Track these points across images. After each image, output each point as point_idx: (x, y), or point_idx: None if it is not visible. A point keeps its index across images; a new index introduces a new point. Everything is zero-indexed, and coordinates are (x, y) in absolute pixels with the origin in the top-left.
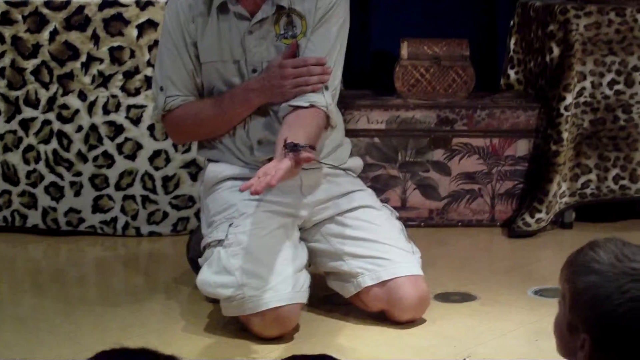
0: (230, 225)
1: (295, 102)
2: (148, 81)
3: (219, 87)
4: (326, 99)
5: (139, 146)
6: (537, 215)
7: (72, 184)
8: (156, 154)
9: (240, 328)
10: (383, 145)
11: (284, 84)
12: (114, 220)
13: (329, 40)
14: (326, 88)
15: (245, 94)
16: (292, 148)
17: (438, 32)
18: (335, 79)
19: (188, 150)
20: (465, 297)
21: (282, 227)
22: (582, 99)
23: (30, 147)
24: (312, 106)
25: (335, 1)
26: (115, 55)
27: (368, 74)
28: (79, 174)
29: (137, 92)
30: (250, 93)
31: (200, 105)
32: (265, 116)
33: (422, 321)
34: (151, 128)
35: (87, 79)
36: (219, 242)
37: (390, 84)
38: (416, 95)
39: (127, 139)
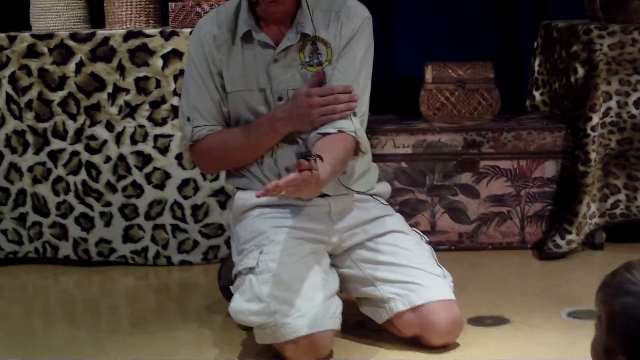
0: (260, 252)
1: (323, 130)
2: (174, 111)
3: (245, 115)
4: (354, 124)
5: (167, 175)
6: (568, 237)
7: (102, 214)
8: (185, 182)
9: (274, 355)
10: (410, 170)
11: (312, 112)
12: (145, 249)
13: (355, 67)
14: (354, 114)
15: (272, 123)
16: (302, 155)
17: (462, 55)
18: (363, 105)
19: (216, 178)
20: (498, 321)
21: (313, 254)
22: (608, 119)
23: (59, 179)
24: (340, 132)
25: (359, 27)
26: (141, 85)
27: (393, 99)
28: (108, 204)
29: (164, 121)
30: (277, 122)
31: (227, 135)
32: (293, 144)
33: (456, 346)
34: (179, 157)
35: (114, 110)
36: (250, 270)
37: (416, 108)
38: (442, 118)
39: (155, 169)
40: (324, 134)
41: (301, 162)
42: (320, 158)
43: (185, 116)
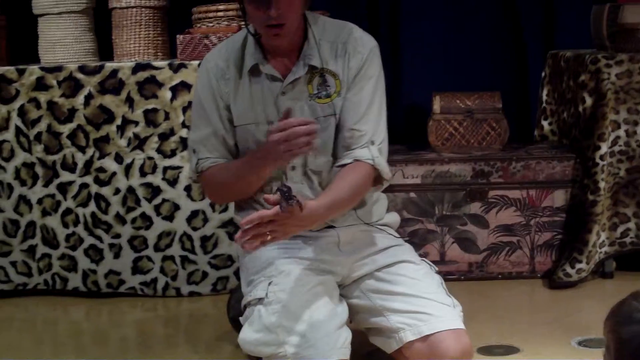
0: (269, 283)
1: (341, 162)
2: (183, 142)
3: (252, 147)
4: (371, 152)
5: (176, 207)
6: (578, 266)
7: (112, 246)
8: (194, 214)
9: None
10: (419, 200)
11: (277, 148)
12: (154, 281)
13: (366, 97)
14: (372, 143)
15: (254, 162)
16: (284, 195)
17: (470, 85)
18: (381, 133)
19: (225, 209)
20: (508, 350)
21: (321, 284)
22: (617, 148)
23: (68, 211)
24: (356, 161)
25: (367, 57)
26: (150, 117)
27: (401, 129)
28: (117, 236)
29: (172, 153)
30: (256, 161)
31: (225, 170)
32: (302, 176)
33: None
34: (188, 189)
35: (123, 142)
36: (259, 301)
37: (424, 138)
38: (450, 148)
39: (164, 200)
40: (342, 166)
41: (266, 198)
42: (293, 199)
43: (192, 148)
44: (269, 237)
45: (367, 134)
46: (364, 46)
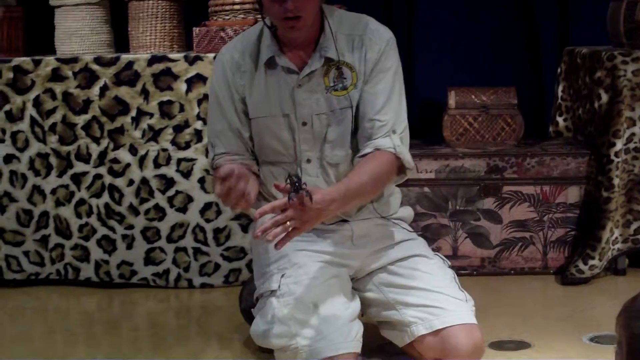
0: (282, 275)
1: (362, 152)
2: (198, 134)
3: (268, 142)
4: (393, 141)
5: (189, 199)
6: (590, 262)
7: (124, 237)
8: (207, 206)
9: None
10: (433, 195)
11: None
12: (166, 272)
13: (386, 88)
14: (393, 132)
15: None
16: (294, 184)
17: (485, 80)
18: (402, 122)
19: None
20: (519, 345)
21: (334, 277)
22: (632, 145)
23: (82, 201)
24: (377, 150)
25: (384, 50)
26: (165, 109)
27: (415, 124)
28: (130, 227)
29: (187, 145)
30: None
31: None
32: (318, 169)
33: None
34: (201, 181)
35: (137, 134)
36: (272, 293)
37: (439, 133)
38: (465, 144)
39: (178, 192)
40: (363, 156)
41: (276, 185)
42: (302, 189)
43: (210, 141)
44: (290, 229)
45: (388, 124)
46: (380, 38)
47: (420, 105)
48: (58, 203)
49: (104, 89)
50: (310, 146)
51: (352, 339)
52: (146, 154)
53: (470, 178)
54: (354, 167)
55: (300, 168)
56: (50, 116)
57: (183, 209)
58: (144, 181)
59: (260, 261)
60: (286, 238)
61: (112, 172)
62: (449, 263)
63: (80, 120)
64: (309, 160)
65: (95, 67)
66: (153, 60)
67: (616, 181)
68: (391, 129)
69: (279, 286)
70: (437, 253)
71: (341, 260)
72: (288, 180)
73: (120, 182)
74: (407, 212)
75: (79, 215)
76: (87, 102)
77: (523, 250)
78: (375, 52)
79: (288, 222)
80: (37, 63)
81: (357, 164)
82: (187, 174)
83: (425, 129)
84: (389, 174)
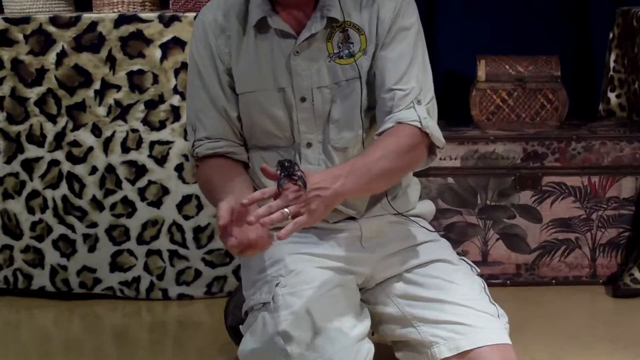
0: (277, 284)
1: (381, 128)
2: (175, 112)
3: (260, 122)
4: (418, 113)
5: (165, 191)
6: None
7: (86, 237)
8: (186, 199)
9: None
10: (458, 187)
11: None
12: (136, 280)
13: (407, 51)
14: (418, 102)
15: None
16: (285, 169)
17: (521, 47)
18: (428, 91)
19: None
20: None
21: (340, 287)
22: None
23: (35, 193)
24: (399, 124)
25: (401, 6)
26: (135, 81)
27: (438, 100)
28: (93, 225)
29: (161, 125)
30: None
31: (214, 182)
32: (320, 155)
33: None
34: (179, 168)
35: (101, 110)
36: (264, 306)
37: (465, 112)
38: (497, 124)
39: (150, 182)
40: (382, 133)
41: (264, 168)
42: (295, 174)
43: (190, 123)
44: (291, 221)
45: (412, 93)
46: None
47: (442, 78)
48: (5, 195)
49: (61, 56)
50: (310, 127)
51: None
52: (112, 135)
53: (504, 167)
54: (375, 142)
55: (299, 154)
56: None
57: (157, 203)
58: (110, 169)
59: (251, 267)
60: (292, 227)
61: (71, 158)
62: (478, 270)
63: (33, 94)
64: (309, 145)
65: (51, 29)
66: (121, 21)
67: None
68: (415, 99)
69: (273, 298)
70: (463, 258)
71: (348, 267)
72: (278, 166)
73: (81, 169)
74: (428, 207)
75: (30, 211)
76: (41, 72)
77: (567, 255)
78: (390, 10)
79: (286, 210)
80: None
81: (380, 138)
82: (161, 161)
83: (449, 106)
84: (414, 151)
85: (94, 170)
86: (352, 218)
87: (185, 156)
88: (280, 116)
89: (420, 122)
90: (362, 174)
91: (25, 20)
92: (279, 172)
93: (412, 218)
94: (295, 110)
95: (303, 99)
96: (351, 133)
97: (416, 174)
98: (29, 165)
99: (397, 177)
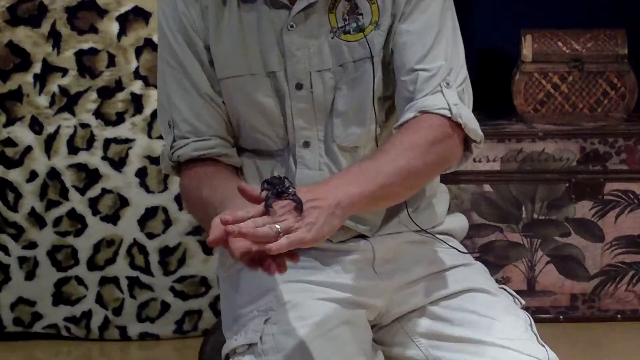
0: (266, 321)
1: (401, 119)
2: (136, 102)
3: (245, 114)
4: (447, 98)
5: (123, 202)
6: None
7: (22, 260)
8: (150, 213)
9: None
10: (498, 196)
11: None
12: (87, 316)
13: (432, 23)
14: (447, 84)
15: None
16: (274, 188)
17: (577, 19)
18: (460, 70)
19: None
20: None
21: (347, 324)
22: None
23: None
24: (423, 113)
25: None
26: (86, 63)
27: (472, 86)
28: (32, 245)
29: (119, 118)
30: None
31: (207, 200)
32: (322, 157)
33: None
34: (141, 174)
35: (43, 100)
36: (250, 348)
37: (507, 101)
38: (547, 117)
39: (105, 192)
40: (402, 124)
41: (242, 188)
42: (291, 196)
43: (166, 117)
44: (281, 236)
45: (439, 74)
46: None
47: (478, 59)
48: None
49: None
50: (309, 121)
51: None
52: (56, 131)
53: (555, 170)
54: (388, 141)
55: (294, 157)
56: None
57: (113, 218)
58: (53, 174)
59: (233, 299)
60: (286, 242)
61: (4, 161)
62: (523, 302)
63: None
64: (306, 144)
65: None
66: None
67: None
68: (443, 81)
69: (261, 338)
70: (503, 286)
71: (357, 298)
72: (264, 184)
73: (16, 175)
74: (459, 222)
75: None
76: None
77: (636, 283)
78: None
79: (277, 225)
80: None
81: (395, 136)
82: (119, 164)
83: (486, 94)
84: (443, 146)
85: (32, 176)
86: (362, 236)
87: (151, 159)
88: (270, 108)
89: (450, 109)
90: (371, 177)
91: None
92: (265, 191)
93: (438, 236)
94: (289, 101)
95: (299, 86)
96: (361, 128)
97: (444, 180)
98: None
99: (419, 180)
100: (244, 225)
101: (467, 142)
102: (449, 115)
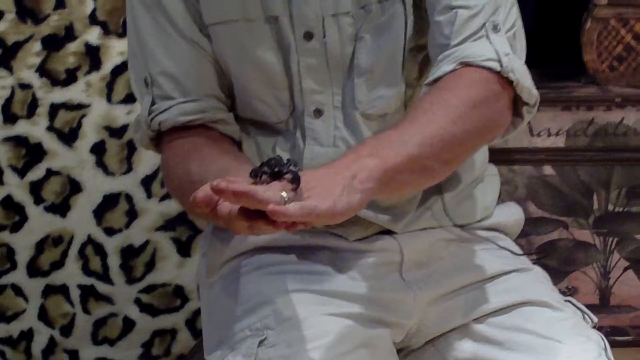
0: (261, 342)
1: (435, 73)
2: (92, 55)
3: (237, 74)
4: (495, 45)
5: (74, 187)
6: None
7: None
8: (109, 202)
9: None
10: (561, 181)
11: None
12: (27, 336)
13: None
14: (494, 28)
15: None
16: (271, 168)
17: None
18: (511, 9)
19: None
20: None
21: (365, 347)
22: None
23: None
24: (463, 65)
25: None
26: (27, 3)
27: (527, 38)
28: None
29: (70, 77)
30: None
31: (196, 178)
32: (338, 129)
33: None
34: (99, 150)
35: None
36: None
37: (575, 57)
38: (627, 78)
39: (51, 173)
40: (437, 79)
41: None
42: (290, 174)
43: (142, 76)
44: (295, 209)
45: (483, 13)
46: None
47: (536, 2)
48: None
49: None
50: (321, 82)
51: None
52: None
53: (638, 148)
54: (420, 100)
55: (302, 129)
56: None
57: (61, 208)
58: None
59: (219, 313)
60: (300, 209)
61: None
62: (595, 320)
63: None
64: (318, 112)
65: None
66: None
67: None
68: (490, 23)
69: None
70: (569, 299)
71: (379, 313)
72: (261, 169)
73: None
74: (512, 215)
75: None
76: None
77: None
78: None
79: (283, 193)
80: None
81: (428, 95)
82: (69, 136)
83: (547, 47)
84: (490, 110)
85: None
86: (387, 232)
87: (111, 130)
88: (271, 65)
89: (499, 61)
90: (396, 148)
91: None
92: (260, 170)
93: (485, 233)
94: (295, 55)
95: (308, 35)
96: (392, 89)
97: (492, 159)
98: None
99: (457, 153)
100: (241, 184)
101: (516, 105)
102: (498, 69)
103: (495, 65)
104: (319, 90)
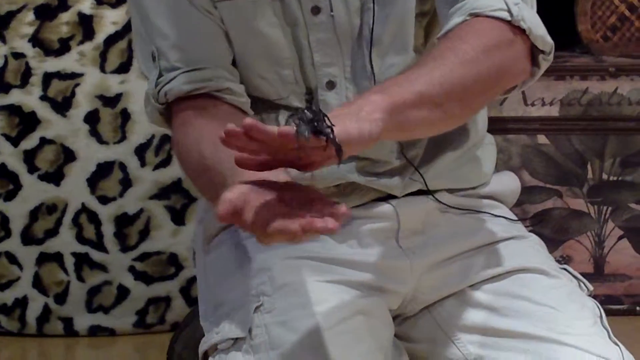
0: (257, 308)
1: (447, 26)
2: (86, 24)
3: (241, 49)
4: None
5: (68, 155)
6: None
7: None
8: (103, 170)
9: None
10: (556, 151)
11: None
12: (21, 304)
13: None
14: None
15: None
16: (308, 122)
17: None
18: None
19: (168, 159)
20: None
21: (362, 314)
22: None
23: None
24: (473, 17)
25: None
26: None
27: None
28: None
29: (63, 46)
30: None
31: (207, 153)
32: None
33: None
34: (92, 119)
35: None
36: (235, 344)
37: (569, 27)
38: (621, 48)
39: (45, 142)
40: (447, 33)
41: (279, 131)
42: (322, 128)
43: (149, 49)
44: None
45: None
46: None
47: None
48: None
49: None
50: (332, 55)
51: None
52: None
53: (631, 117)
54: (432, 51)
55: (317, 102)
56: None
57: (55, 176)
58: None
59: (214, 280)
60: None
61: None
62: (590, 288)
63: None
64: (330, 85)
65: None
66: None
67: None
68: None
69: (250, 330)
70: (565, 267)
71: (376, 281)
72: (296, 120)
73: None
74: (509, 184)
75: None
76: None
77: None
78: None
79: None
80: None
81: (441, 44)
82: (63, 106)
83: (541, 17)
84: (503, 54)
85: None
86: (383, 199)
87: (105, 99)
88: (278, 39)
89: (509, 10)
90: (405, 86)
91: None
92: (295, 126)
93: (480, 201)
94: (304, 29)
95: (316, 10)
96: (403, 56)
97: (489, 129)
98: None
99: (472, 96)
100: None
101: (533, 54)
102: (509, 18)
103: (505, 14)
104: (331, 63)
